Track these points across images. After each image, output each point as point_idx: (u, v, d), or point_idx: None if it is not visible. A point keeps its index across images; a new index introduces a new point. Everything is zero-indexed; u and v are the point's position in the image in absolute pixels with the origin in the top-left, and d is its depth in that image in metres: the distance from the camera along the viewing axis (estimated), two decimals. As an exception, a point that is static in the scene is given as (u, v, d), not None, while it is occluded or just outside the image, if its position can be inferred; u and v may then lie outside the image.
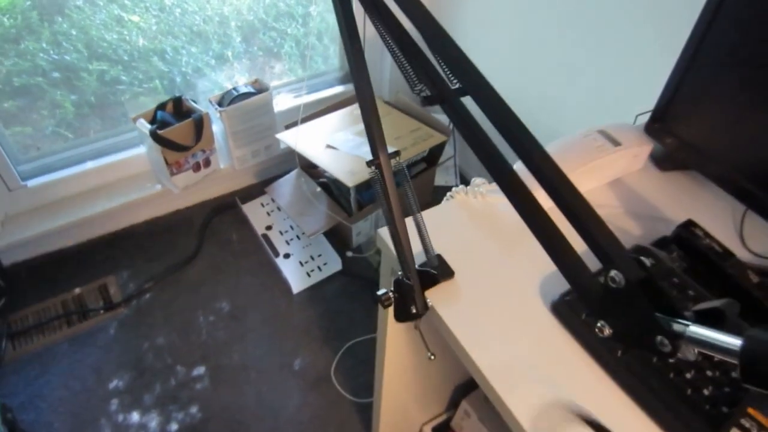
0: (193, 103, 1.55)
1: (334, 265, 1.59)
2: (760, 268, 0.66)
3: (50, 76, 1.48)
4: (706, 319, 0.29)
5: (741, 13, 0.63)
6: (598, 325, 0.32)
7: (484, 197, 0.78)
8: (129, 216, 1.66)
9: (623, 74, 1.20)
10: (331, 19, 1.83)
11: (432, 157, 1.64)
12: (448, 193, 0.79)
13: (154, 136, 1.44)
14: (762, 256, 0.70)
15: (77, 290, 1.50)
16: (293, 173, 1.65)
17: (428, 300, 0.64)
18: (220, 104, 1.57)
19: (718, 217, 0.75)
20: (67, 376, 1.33)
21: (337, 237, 1.65)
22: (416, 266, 0.62)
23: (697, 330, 0.28)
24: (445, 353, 0.92)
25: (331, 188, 1.59)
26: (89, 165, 1.57)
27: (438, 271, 0.65)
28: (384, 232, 0.72)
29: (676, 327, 0.29)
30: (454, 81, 0.43)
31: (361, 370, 1.39)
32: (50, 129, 1.55)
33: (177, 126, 1.47)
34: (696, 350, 0.29)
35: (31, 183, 1.50)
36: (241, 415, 1.29)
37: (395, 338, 0.88)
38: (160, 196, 1.64)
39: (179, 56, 1.67)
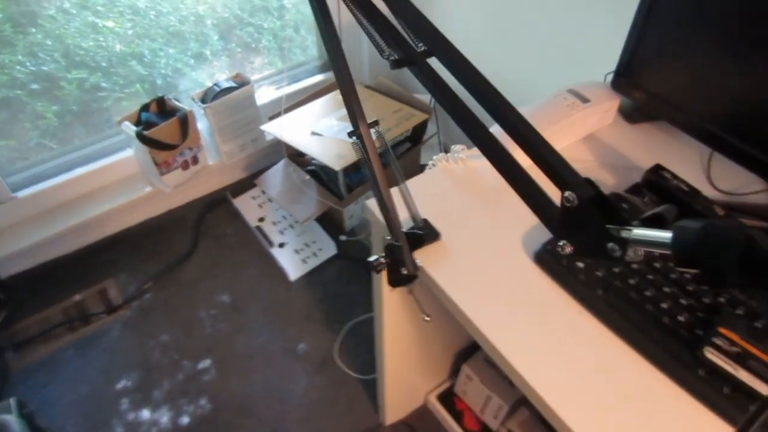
0: (176, 102, 1.57)
1: (329, 250, 1.62)
2: (727, 203, 0.69)
3: (29, 88, 1.48)
4: (651, 224, 0.32)
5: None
6: (560, 244, 0.35)
7: (464, 162, 0.81)
8: (123, 219, 1.67)
9: (590, 35, 1.23)
10: (307, 10, 1.84)
11: (416, 136, 1.66)
12: (430, 162, 0.82)
13: (141, 137, 1.45)
14: (729, 193, 0.73)
15: (77, 296, 1.52)
16: (281, 163, 1.67)
17: (418, 261, 0.67)
18: (203, 101, 1.58)
19: (687, 162, 0.79)
20: (75, 380, 1.35)
21: (329, 222, 1.68)
22: (404, 230, 0.64)
23: (639, 232, 0.31)
24: (442, 320, 0.96)
25: (320, 174, 1.62)
26: (78, 171, 1.58)
27: (424, 232, 0.68)
28: (372, 204, 0.75)
29: (624, 233, 0.31)
30: (419, 44, 0.45)
31: (364, 349, 1.42)
32: (35, 141, 1.56)
33: (162, 125, 1.48)
34: (642, 251, 0.32)
35: (22, 194, 1.51)
36: (249, 402, 1.32)
37: (392, 308, 0.90)
38: (152, 197, 1.66)
39: (158, 58, 1.68)
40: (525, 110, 0.80)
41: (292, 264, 1.58)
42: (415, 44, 0.45)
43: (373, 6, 0.43)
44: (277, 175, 1.66)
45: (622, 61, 0.80)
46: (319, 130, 1.51)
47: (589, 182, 0.33)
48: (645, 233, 0.31)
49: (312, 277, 1.58)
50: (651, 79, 0.78)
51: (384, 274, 0.68)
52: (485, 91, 0.38)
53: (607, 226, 0.31)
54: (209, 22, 1.74)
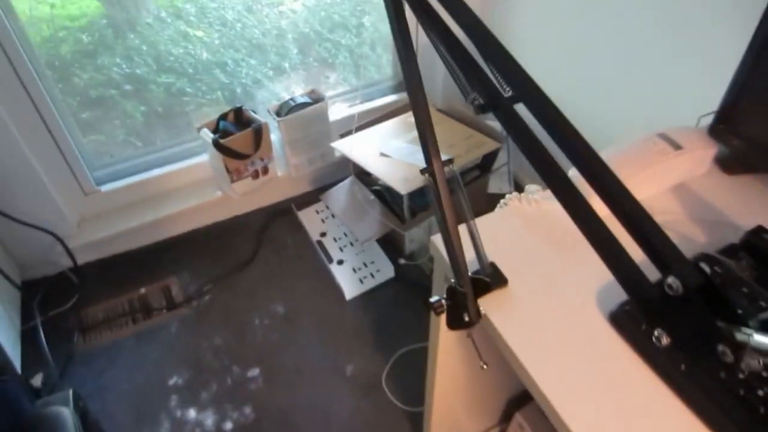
0: (252, 113, 1.61)
1: (387, 272, 1.60)
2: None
3: (122, 89, 1.58)
4: None
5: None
6: (656, 334, 0.31)
7: (538, 204, 0.77)
8: (191, 220, 1.73)
9: (682, 76, 1.16)
10: (384, 28, 1.85)
11: (485, 164, 1.62)
12: (502, 201, 0.78)
13: (217, 144, 1.50)
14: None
15: (142, 290, 1.58)
16: (347, 180, 1.68)
17: (481, 308, 0.63)
18: (278, 114, 1.62)
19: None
20: (132, 370, 1.40)
21: (390, 244, 1.66)
22: (469, 273, 0.61)
23: (761, 339, 0.27)
24: (498, 363, 0.91)
25: (385, 196, 1.61)
26: (156, 172, 1.65)
27: (491, 278, 0.64)
28: (437, 240, 0.72)
29: (739, 336, 0.27)
30: (507, 88, 0.43)
31: (412, 378, 1.38)
32: (121, 137, 1.66)
33: (238, 135, 1.52)
34: (762, 361, 0.27)
35: (105, 188, 1.60)
36: (293, 416, 1.32)
37: (447, 346, 0.87)
38: (221, 202, 1.71)
39: (239, 68, 1.74)
40: (608, 154, 0.75)
41: (348, 282, 1.58)
42: (503, 89, 0.42)
43: (465, 50, 0.41)
44: (342, 192, 1.66)
45: (723, 106, 0.74)
46: (387, 152, 1.51)
47: (699, 269, 0.29)
48: (747, 335, 0.27)
49: (367, 297, 1.57)
50: (756, 126, 0.71)
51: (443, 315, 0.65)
52: (578, 147, 0.35)
53: (719, 324, 0.27)
54: (290, 36, 1.79)
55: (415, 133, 1.49)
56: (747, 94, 0.70)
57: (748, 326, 0.28)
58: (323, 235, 1.71)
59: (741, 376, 0.52)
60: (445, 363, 0.90)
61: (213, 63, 1.69)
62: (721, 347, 0.28)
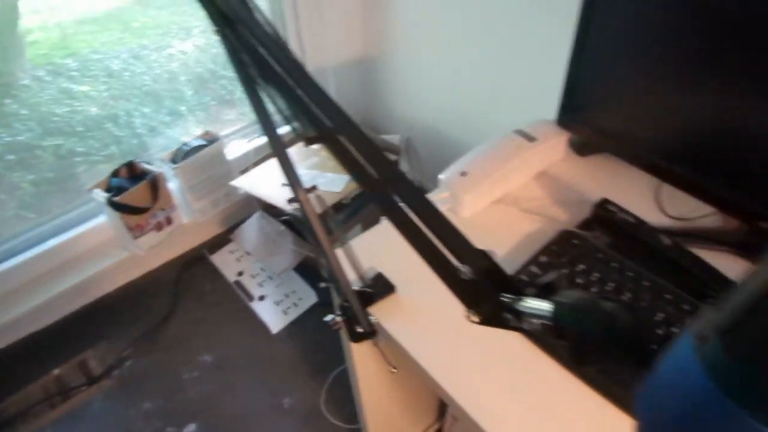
0: (146, 165, 1.57)
1: (310, 298, 1.61)
2: (673, 229, 0.70)
3: (5, 159, 1.49)
4: (547, 292, 0.32)
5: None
6: (465, 314, 0.35)
7: None
8: (99, 286, 1.66)
9: (541, 74, 1.26)
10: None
11: (387, 178, 1.68)
12: (385, 213, 0.82)
13: (112, 203, 1.45)
14: (679, 218, 0.74)
15: (56, 371, 1.49)
16: (255, 216, 1.67)
17: (373, 317, 0.66)
18: (173, 161, 1.59)
19: (638, 190, 0.80)
20: (57, 457, 1.32)
21: (308, 270, 1.67)
22: (355, 288, 0.65)
23: (525, 303, 0.32)
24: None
25: (294, 224, 1.62)
26: (52, 242, 1.57)
27: (377, 288, 0.68)
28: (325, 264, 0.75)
29: (517, 305, 0.32)
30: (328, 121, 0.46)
31: (351, 397, 1.39)
32: (11, 212, 1.56)
33: (132, 190, 1.48)
34: (537, 321, 0.32)
35: (-5, 270, 1.50)
36: (237, 464, 1.29)
37: (363, 360, 0.90)
38: (128, 261, 1.65)
39: (133, 119, 1.70)
40: (472, 155, 0.82)
41: (273, 316, 1.57)
42: (327, 122, 0.46)
43: (288, 86, 0.44)
44: (251, 228, 1.66)
45: (563, 98, 0.82)
46: (326, 204, 1.52)
47: (483, 254, 0.34)
48: (531, 305, 0.32)
49: (294, 327, 1.57)
50: (592, 113, 0.80)
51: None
52: (384, 166, 0.39)
53: (503, 296, 0.32)
54: (183, 78, 1.77)
55: (315, 159, 1.52)
56: (581, 84, 0.78)
57: (525, 296, 0.33)
58: (240, 274, 1.69)
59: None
60: (365, 375, 0.93)
61: (103, 117, 1.63)
62: (506, 315, 0.32)
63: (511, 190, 0.82)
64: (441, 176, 0.80)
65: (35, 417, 1.40)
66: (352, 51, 1.78)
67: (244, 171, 1.63)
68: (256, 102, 0.54)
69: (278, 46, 0.43)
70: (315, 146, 0.45)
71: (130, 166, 1.58)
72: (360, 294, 0.64)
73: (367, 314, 0.64)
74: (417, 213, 0.36)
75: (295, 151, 1.69)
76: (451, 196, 0.79)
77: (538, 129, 0.83)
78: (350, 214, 1.39)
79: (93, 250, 1.63)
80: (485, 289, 0.32)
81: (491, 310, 0.32)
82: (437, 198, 0.81)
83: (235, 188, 1.73)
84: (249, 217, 1.70)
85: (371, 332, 0.70)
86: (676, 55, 0.64)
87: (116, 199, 1.46)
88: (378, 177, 0.39)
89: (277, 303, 1.60)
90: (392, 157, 1.61)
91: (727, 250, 0.69)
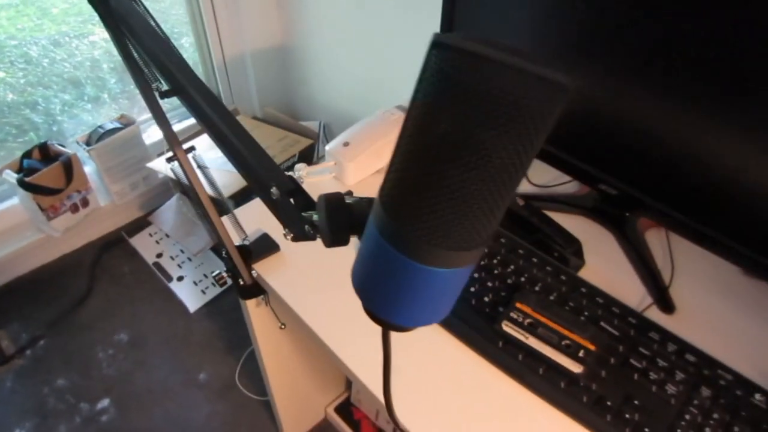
0: (60, 147, 1.58)
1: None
2: (531, 194, 0.82)
3: None
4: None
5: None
6: (284, 233, 0.43)
7: (306, 179, 0.90)
8: (14, 268, 1.65)
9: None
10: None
11: (305, 161, 1.75)
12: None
13: (22, 183, 1.45)
14: (542, 186, 0.86)
15: (-35, 350, 1.48)
16: (173, 199, 1.71)
17: (253, 272, 0.74)
18: (87, 143, 1.60)
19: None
20: (-36, 435, 1.32)
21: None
22: (235, 243, 0.72)
23: (317, 217, 0.40)
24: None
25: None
26: (-39, 224, 1.55)
27: (260, 245, 0.76)
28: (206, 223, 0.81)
29: (313, 218, 0.40)
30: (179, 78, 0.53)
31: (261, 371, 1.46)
32: None
33: (44, 171, 1.49)
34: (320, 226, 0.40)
35: None
36: (150, 435, 1.34)
37: (261, 324, 0.97)
38: (44, 243, 1.65)
39: (52, 105, 1.68)
40: (355, 127, 0.91)
41: (191, 296, 1.61)
42: (181, 77, 0.53)
43: (150, 48, 0.51)
44: (170, 211, 1.69)
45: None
46: (204, 163, 1.57)
47: (291, 179, 0.42)
48: (314, 215, 0.40)
49: (212, 306, 1.62)
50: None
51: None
52: (223, 114, 0.46)
53: (304, 213, 0.40)
54: (106, 66, 1.77)
55: (230, 143, 1.57)
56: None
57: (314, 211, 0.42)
58: (159, 256, 1.72)
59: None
60: (265, 341, 1.00)
61: (20, 103, 1.62)
62: (306, 227, 0.40)
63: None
64: (327, 147, 0.88)
65: (-59, 397, 1.39)
66: (269, 39, 1.83)
67: (161, 154, 1.66)
68: (132, 64, 0.60)
69: (142, 19, 0.50)
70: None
71: (43, 148, 1.57)
72: (241, 249, 0.72)
73: (248, 267, 0.72)
74: (241, 150, 0.44)
75: (204, 140, 1.73)
76: (337, 165, 0.88)
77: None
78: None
79: (6, 231, 1.62)
80: (292, 208, 0.41)
81: (299, 226, 0.40)
82: (323, 167, 0.89)
83: (153, 172, 1.75)
84: (168, 200, 1.73)
85: (257, 288, 0.78)
86: (538, 31, 0.74)
87: (27, 179, 1.46)
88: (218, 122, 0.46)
89: (196, 283, 1.65)
90: (307, 142, 1.69)
91: (579, 212, 0.82)
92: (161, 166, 1.59)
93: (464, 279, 0.28)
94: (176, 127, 1.85)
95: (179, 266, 1.70)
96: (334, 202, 0.34)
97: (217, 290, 1.64)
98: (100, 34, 1.75)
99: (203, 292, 1.63)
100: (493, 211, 0.25)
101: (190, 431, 1.35)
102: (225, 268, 0.78)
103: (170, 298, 1.63)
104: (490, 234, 0.26)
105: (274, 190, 0.42)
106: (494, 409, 0.59)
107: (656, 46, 0.59)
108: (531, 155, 0.24)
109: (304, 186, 0.89)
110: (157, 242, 1.77)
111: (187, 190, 1.50)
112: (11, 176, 1.47)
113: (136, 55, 0.54)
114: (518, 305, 0.65)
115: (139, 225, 1.83)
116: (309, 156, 1.76)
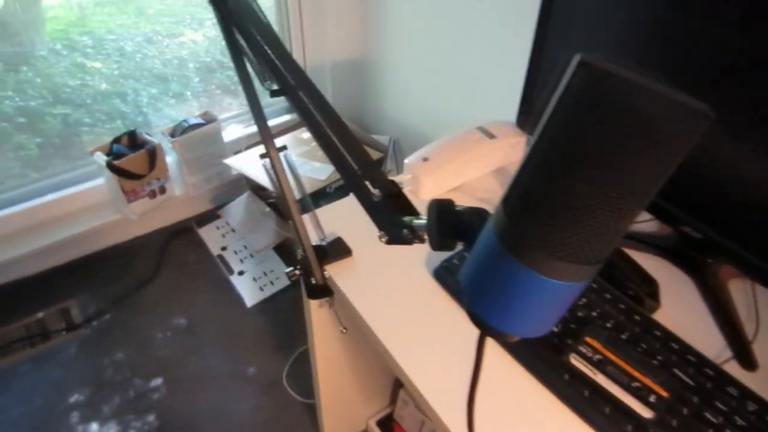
0: (147, 136, 1.68)
1: (285, 279, 1.71)
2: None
3: (15, 121, 1.59)
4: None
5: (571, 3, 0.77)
6: (378, 235, 0.45)
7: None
8: (90, 243, 1.76)
9: (510, 77, 1.37)
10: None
11: (372, 175, 1.78)
12: (352, 189, 0.92)
13: (110, 166, 1.55)
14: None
15: (40, 314, 1.59)
16: (244, 196, 1.77)
17: (326, 273, 0.76)
18: (172, 135, 1.70)
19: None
20: (29, 392, 1.40)
21: (288, 253, 1.77)
22: (312, 243, 0.74)
23: (417, 221, 0.41)
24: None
25: (279, 207, 1.72)
26: (50, 197, 1.67)
27: (334, 248, 0.78)
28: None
29: (414, 223, 0.41)
30: (291, 79, 0.56)
31: (312, 373, 1.48)
32: (16, 170, 1.66)
33: (131, 156, 1.59)
34: (425, 234, 0.41)
35: (-5, 215, 1.60)
36: (195, 421, 1.38)
37: (321, 326, 0.98)
38: (120, 224, 1.75)
39: (140, 97, 1.80)
40: (436, 143, 0.92)
41: (249, 291, 1.66)
42: (291, 78, 0.56)
43: (262, 46, 0.54)
44: (239, 207, 1.76)
45: (522, 101, 0.91)
46: (293, 163, 1.62)
47: (393, 183, 0.44)
48: (419, 221, 0.41)
49: (267, 304, 1.66)
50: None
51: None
52: (333, 119, 0.49)
53: (404, 218, 0.42)
54: (191, 66, 1.88)
55: (304, 148, 1.63)
56: (537, 89, 0.87)
57: (418, 216, 0.43)
58: (224, 249, 1.79)
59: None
60: (322, 344, 1.01)
61: (112, 93, 1.74)
62: (405, 232, 0.42)
63: (469, 181, 0.92)
64: (406, 160, 0.90)
65: (14, 352, 1.49)
66: (350, 51, 1.89)
67: (237, 152, 1.73)
68: (238, 61, 0.64)
69: (257, 17, 0.53)
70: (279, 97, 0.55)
71: (132, 135, 1.68)
72: (317, 249, 0.74)
73: (321, 268, 0.74)
74: (350, 154, 0.46)
75: (286, 139, 1.79)
76: (413, 179, 0.89)
77: (499, 128, 0.93)
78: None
79: (88, 208, 1.73)
80: (392, 211, 0.42)
81: (397, 229, 0.42)
82: (401, 179, 0.91)
83: (227, 168, 1.83)
84: (239, 197, 1.80)
85: (326, 289, 0.80)
86: (633, 60, 0.73)
87: (116, 162, 1.56)
88: (329, 130, 0.49)
89: (255, 279, 1.70)
90: (377, 155, 1.72)
91: (658, 253, 0.79)
92: (236, 163, 1.66)
93: (574, 295, 0.29)
94: (250, 128, 1.93)
95: (241, 261, 1.76)
96: (446, 208, 0.36)
97: (275, 288, 1.68)
98: (189, 35, 1.86)
99: (261, 288, 1.68)
100: (615, 231, 0.26)
101: (233, 422, 1.38)
102: (295, 266, 0.80)
103: (229, 290, 1.69)
104: (608, 253, 0.27)
105: (376, 192, 0.44)
106: (555, 440, 0.58)
107: (759, 93, 0.58)
108: (662, 181, 0.25)
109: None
110: (223, 235, 1.84)
111: (267, 187, 1.55)
112: (101, 158, 1.57)
113: (248, 53, 0.58)
114: (587, 339, 0.64)
115: (208, 217, 1.91)
116: (377, 169, 1.79)
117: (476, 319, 0.32)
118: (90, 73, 1.67)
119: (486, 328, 0.32)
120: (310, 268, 0.78)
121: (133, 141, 1.68)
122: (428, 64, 1.64)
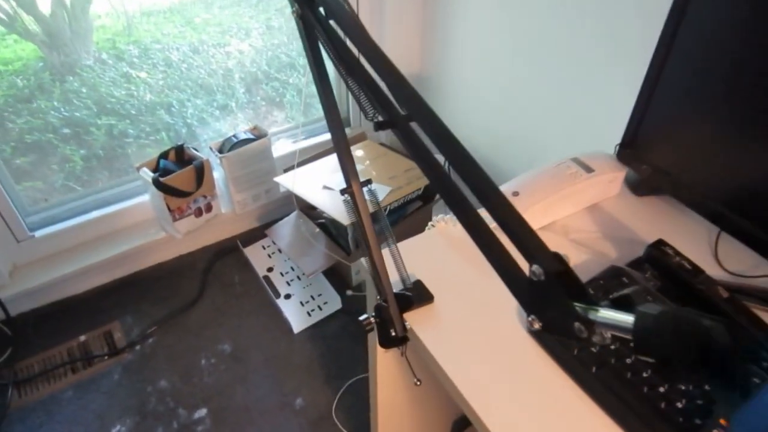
0: (194, 151, 1.61)
1: (334, 304, 1.61)
2: (730, 284, 0.67)
3: (60, 132, 1.55)
4: (620, 306, 0.31)
5: (695, 41, 0.67)
6: (528, 319, 0.34)
7: (443, 227, 0.81)
8: (134, 262, 1.70)
9: (602, 107, 1.25)
10: (331, 67, 1.91)
11: (428, 195, 1.68)
12: (430, 222, 0.82)
13: (157, 183, 1.49)
14: (736, 274, 0.71)
15: (82, 337, 1.53)
16: (292, 215, 1.69)
17: (407, 323, 0.66)
18: (220, 151, 1.63)
19: (694, 238, 0.78)
20: (71, 423, 1.34)
21: (336, 276, 1.68)
22: (394, 291, 0.64)
23: (604, 314, 0.31)
24: (438, 386, 0.93)
25: (330, 228, 1.63)
26: (95, 214, 1.62)
27: (415, 295, 0.67)
28: (366, 261, 0.75)
29: (590, 314, 0.31)
30: (402, 108, 0.47)
31: (362, 408, 1.38)
32: (60, 182, 1.62)
33: (178, 173, 1.52)
34: (609, 334, 0.31)
35: (39, 233, 1.55)
36: (243, 457, 1.29)
37: (386, 370, 0.89)
38: (164, 242, 1.68)
39: (185, 108, 1.75)
40: (527, 176, 0.81)
41: (296, 316, 1.58)
42: (399, 108, 0.46)
43: (363, 68, 0.45)
44: (287, 227, 1.68)
45: (627, 133, 0.81)
46: (330, 185, 1.54)
47: (557, 257, 0.33)
48: (610, 315, 0.31)
49: (315, 330, 1.57)
50: (656, 152, 0.78)
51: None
52: (458, 155, 0.39)
53: (575, 304, 0.31)
54: (237, 76, 1.82)
55: (359, 167, 1.53)
56: (647, 121, 0.77)
57: (599, 306, 0.32)
58: (270, 270, 1.71)
59: (645, 375, 0.57)
60: (385, 386, 0.92)
61: (157, 104, 1.69)
62: (577, 324, 0.31)
63: (561, 219, 0.81)
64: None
65: (56, 378, 1.43)
66: (407, 67, 1.80)
67: (288, 170, 1.65)
68: (324, 85, 0.55)
69: (357, 27, 0.44)
70: (382, 131, 0.45)
71: (179, 151, 1.62)
72: (399, 297, 0.64)
73: (402, 318, 0.64)
74: (485, 202, 0.36)
75: (336, 159, 1.71)
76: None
77: (596, 160, 0.82)
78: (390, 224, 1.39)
79: (133, 226, 1.68)
80: (555, 294, 0.32)
81: (559, 317, 0.31)
82: (487, 216, 0.80)
83: (276, 186, 1.76)
84: (286, 216, 1.72)
85: (402, 338, 0.70)
86: (746, 106, 0.62)
87: (162, 179, 1.49)
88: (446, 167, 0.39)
89: (303, 303, 1.61)
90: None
91: None
92: (286, 181, 1.58)
93: None
94: (300, 144, 1.85)
95: (288, 283, 1.67)
96: (692, 324, 0.25)
97: (323, 314, 1.59)
98: (235, 45, 1.80)
99: (309, 314, 1.59)
100: None
101: (282, 460, 1.29)
102: (374, 313, 0.70)
103: (276, 314, 1.60)
104: None
105: (535, 268, 0.33)
106: None
107: None
108: None
109: (436, 233, 0.81)
110: (269, 256, 1.76)
111: (318, 207, 1.46)
112: (147, 174, 1.51)
113: (349, 84, 0.48)
114: (722, 422, 0.52)
115: (254, 236, 1.84)
116: (433, 192, 1.68)
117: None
118: (135, 84, 1.63)
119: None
120: (389, 317, 0.68)
121: (180, 156, 1.62)
122: (491, 88, 1.54)
